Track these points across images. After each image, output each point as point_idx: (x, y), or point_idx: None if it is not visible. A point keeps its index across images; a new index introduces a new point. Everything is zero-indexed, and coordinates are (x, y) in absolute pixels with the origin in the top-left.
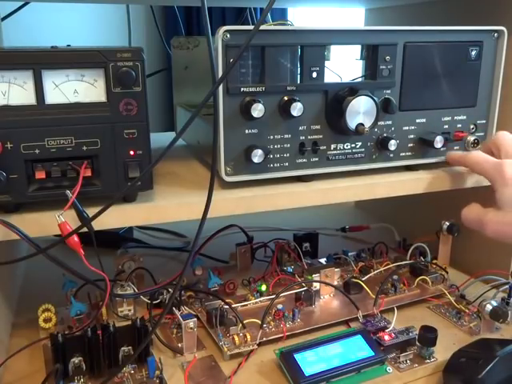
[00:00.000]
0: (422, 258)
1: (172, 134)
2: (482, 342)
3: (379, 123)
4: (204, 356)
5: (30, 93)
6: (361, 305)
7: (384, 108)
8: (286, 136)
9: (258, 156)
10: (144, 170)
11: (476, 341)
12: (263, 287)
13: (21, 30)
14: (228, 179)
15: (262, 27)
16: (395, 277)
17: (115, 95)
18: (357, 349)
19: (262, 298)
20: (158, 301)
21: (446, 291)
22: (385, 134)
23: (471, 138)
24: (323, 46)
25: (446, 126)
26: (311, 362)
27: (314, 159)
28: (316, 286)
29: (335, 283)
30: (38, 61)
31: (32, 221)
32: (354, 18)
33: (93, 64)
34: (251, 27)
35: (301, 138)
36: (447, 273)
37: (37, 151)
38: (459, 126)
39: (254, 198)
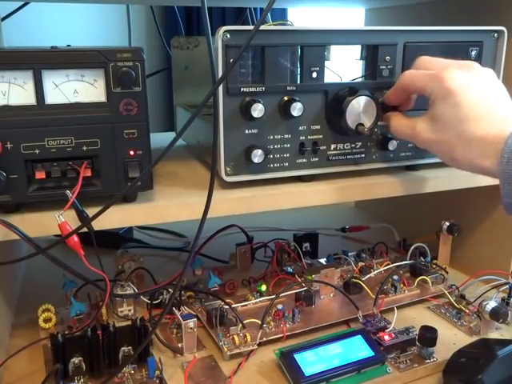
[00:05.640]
0: (422, 258)
1: (172, 134)
2: (481, 342)
3: (379, 123)
4: (204, 356)
5: (29, 93)
6: (361, 305)
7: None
8: (286, 136)
9: (258, 156)
10: (144, 170)
11: (476, 341)
12: (263, 287)
13: (21, 30)
14: (228, 179)
15: (262, 27)
16: (395, 277)
17: (115, 95)
18: (357, 349)
19: (262, 298)
20: (158, 301)
21: (446, 291)
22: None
23: None
24: (323, 46)
25: None
26: (311, 362)
27: (314, 159)
28: (316, 286)
29: (335, 283)
30: (38, 61)
31: (32, 221)
32: (354, 18)
33: (93, 64)
34: (251, 27)
35: (301, 138)
36: (447, 273)
37: (37, 151)
38: None
39: (254, 198)
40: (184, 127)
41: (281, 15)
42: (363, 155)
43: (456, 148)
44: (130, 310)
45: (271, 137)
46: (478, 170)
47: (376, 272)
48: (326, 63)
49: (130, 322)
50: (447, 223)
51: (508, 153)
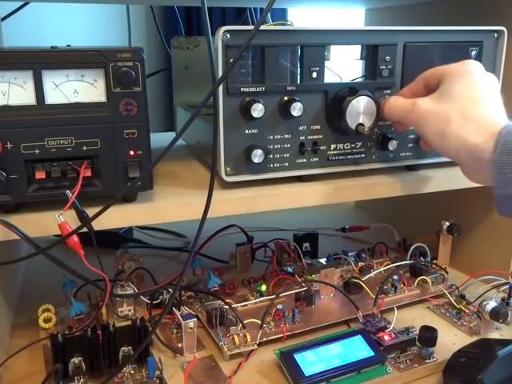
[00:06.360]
0: (422, 257)
1: (172, 134)
2: (481, 342)
3: (379, 123)
4: (204, 356)
5: (29, 93)
6: (361, 305)
7: None
8: (286, 136)
9: (258, 156)
10: (144, 170)
11: (476, 341)
12: (263, 287)
13: (21, 30)
14: (228, 179)
15: (262, 27)
16: (395, 277)
17: (115, 95)
18: (357, 349)
19: (262, 298)
20: (158, 301)
21: (446, 291)
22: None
23: None
24: (323, 46)
25: None
26: (311, 362)
27: (314, 159)
28: (316, 286)
29: (335, 283)
30: (38, 61)
31: (32, 221)
32: (354, 18)
33: (93, 64)
34: (251, 27)
35: (301, 138)
36: (447, 273)
37: (37, 151)
38: None
39: (254, 198)
40: (184, 127)
41: (281, 15)
42: (363, 155)
43: (452, 120)
44: (130, 310)
45: (271, 137)
46: (466, 147)
47: (376, 272)
48: (326, 63)
49: (130, 322)
50: (447, 223)
51: (502, 143)
